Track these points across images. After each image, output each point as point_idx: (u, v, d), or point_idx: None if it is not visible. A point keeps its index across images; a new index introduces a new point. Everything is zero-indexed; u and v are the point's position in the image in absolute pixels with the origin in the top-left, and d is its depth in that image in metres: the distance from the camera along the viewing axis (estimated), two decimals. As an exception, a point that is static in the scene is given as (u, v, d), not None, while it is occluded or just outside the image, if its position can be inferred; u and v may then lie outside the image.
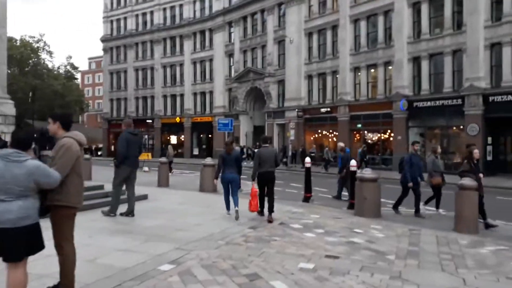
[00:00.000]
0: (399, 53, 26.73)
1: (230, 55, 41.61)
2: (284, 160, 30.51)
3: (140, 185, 15.19)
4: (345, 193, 12.48)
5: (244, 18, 39.84)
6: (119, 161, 8.10)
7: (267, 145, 8.81)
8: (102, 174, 15.37)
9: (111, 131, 52.85)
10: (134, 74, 50.61)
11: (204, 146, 44.19)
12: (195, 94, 45.24)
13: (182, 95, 46.22)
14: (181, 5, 46.83)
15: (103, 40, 53.34)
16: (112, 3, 52.99)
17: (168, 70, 47.79)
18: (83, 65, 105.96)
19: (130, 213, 8.14)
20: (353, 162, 10.83)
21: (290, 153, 30.91)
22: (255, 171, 8.36)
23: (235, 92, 39.49)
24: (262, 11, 37.76)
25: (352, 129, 30.31)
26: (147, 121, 48.30)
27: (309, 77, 33.32)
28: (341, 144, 14.01)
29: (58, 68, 71.21)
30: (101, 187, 10.28)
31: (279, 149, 35.31)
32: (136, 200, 10.05)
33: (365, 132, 30.10)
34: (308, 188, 11.71)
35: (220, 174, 8.55)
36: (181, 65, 46.37)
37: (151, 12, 49.24)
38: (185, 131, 45.17)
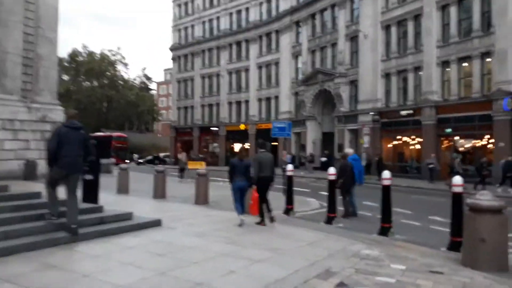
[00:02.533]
0: (502, 41, 21.77)
1: (297, 56, 38.61)
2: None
3: (175, 201, 12.84)
4: (341, 208, 10.68)
5: (313, 16, 36.65)
6: (47, 162, 6.37)
7: (264, 150, 8.82)
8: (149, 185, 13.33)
9: (178, 139, 52.55)
10: (200, 82, 49.88)
11: (269, 155, 41.55)
12: (260, 100, 42.96)
13: (247, 102, 44.26)
14: (247, 9, 45.08)
15: (172, 49, 53.39)
16: (180, 12, 53.02)
17: (234, 76, 46.23)
18: (160, 77, 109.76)
19: (70, 229, 6.16)
20: (457, 179, 7.17)
21: (364, 164, 26.83)
22: (256, 175, 8.30)
23: (302, 96, 36.29)
24: (333, 6, 34.34)
25: (439, 135, 25.56)
26: (212, 128, 46.98)
27: (387, 76, 29.09)
28: (349, 150, 12.23)
29: (134, 79, 73.76)
30: (100, 209, 7.76)
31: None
32: (144, 228, 7.45)
33: (456, 138, 25.17)
34: (386, 215, 8.21)
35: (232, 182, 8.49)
36: (247, 70, 44.46)
37: (218, 18, 48.22)
38: (250, 139, 42.87)
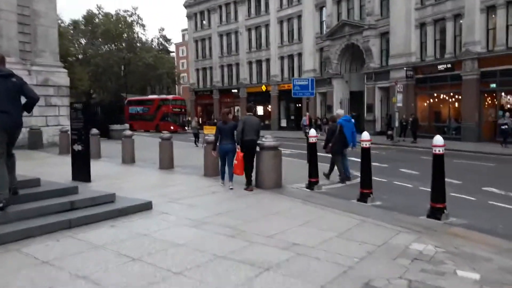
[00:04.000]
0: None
1: (321, 8, 35.55)
2: (389, 133, 24.43)
3: (182, 173, 11.27)
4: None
5: (338, -39, 33.27)
6: None
7: (251, 113, 8.89)
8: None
9: (198, 103, 50.98)
10: (218, 41, 47.44)
11: (292, 117, 39.45)
12: (282, 58, 40.37)
13: (268, 60, 41.75)
14: (265, -42, 41.70)
15: (187, 5, 50.79)
16: (194, -35, 49.90)
17: (253, 33, 43.56)
18: (178, 38, 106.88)
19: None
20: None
21: (397, 124, 24.54)
22: (239, 136, 8.21)
23: (327, 52, 33.62)
24: None
25: (482, 91, 22.92)
26: (233, 91, 45.02)
27: (422, 26, 26.16)
28: (339, 111, 11.26)
29: (151, 41, 71.49)
30: (73, 190, 6.19)
31: (382, 119, 29.25)
32: (128, 214, 5.93)
33: (502, 94, 22.51)
34: (439, 193, 6.33)
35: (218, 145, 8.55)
36: (267, 25, 41.69)
37: (235, -31, 45.01)
38: (272, 101, 40.81)
